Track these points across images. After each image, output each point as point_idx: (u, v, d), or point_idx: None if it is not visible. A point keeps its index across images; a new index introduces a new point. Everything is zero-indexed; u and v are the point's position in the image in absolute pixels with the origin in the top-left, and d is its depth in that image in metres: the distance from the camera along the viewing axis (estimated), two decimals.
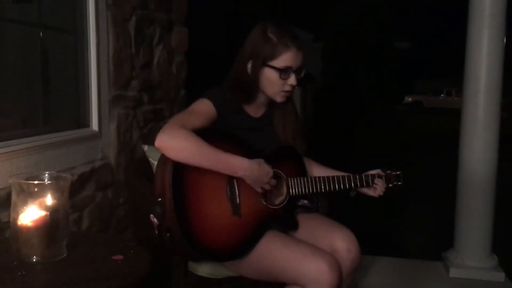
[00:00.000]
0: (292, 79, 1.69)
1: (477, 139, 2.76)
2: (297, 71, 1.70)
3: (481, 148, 2.76)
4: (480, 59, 2.72)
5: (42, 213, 1.32)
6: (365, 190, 1.85)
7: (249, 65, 1.69)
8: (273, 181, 1.65)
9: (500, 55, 2.71)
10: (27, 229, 1.31)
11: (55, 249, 1.35)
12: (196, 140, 1.53)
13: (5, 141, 1.71)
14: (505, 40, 2.73)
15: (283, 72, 1.67)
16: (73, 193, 1.99)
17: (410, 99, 25.69)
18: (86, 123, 2.23)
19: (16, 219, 1.32)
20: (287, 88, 1.71)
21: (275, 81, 1.68)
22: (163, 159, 1.58)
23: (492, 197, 2.81)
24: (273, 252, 1.59)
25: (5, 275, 1.25)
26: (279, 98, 1.74)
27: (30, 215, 1.32)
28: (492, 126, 2.74)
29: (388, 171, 1.87)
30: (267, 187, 1.64)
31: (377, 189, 1.83)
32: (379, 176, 1.85)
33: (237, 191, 1.61)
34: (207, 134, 1.59)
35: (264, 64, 1.67)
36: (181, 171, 1.53)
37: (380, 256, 3.06)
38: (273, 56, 1.66)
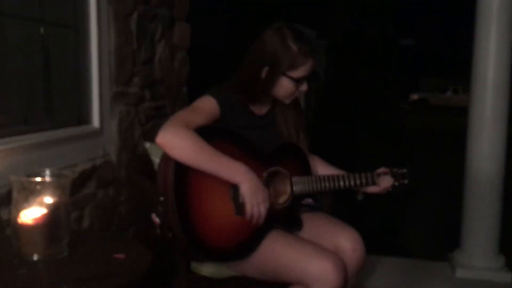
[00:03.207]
0: (304, 86, 1.72)
1: (485, 137, 2.74)
2: (308, 77, 1.72)
3: (488, 146, 2.74)
4: (487, 56, 2.69)
5: (43, 210, 1.31)
6: (371, 189, 1.83)
7: (265, 70, 1.67)
8: (264, 210, 1.57)
9: (508, 52, 2.68)
10: (28, 227, 1.30)
11: (56, 247, 1.34)
12: (198, 141, 1.52)
13: (6, 138, 1.70)
14: None
15: (300, 81, 1.69)
16: (74, 190, 1.98)
17: (415, 97, 25.49)
18: (88, 120, 2.22)
19: (17, 217, 1.31)
20: (298, 93, 1.74)
21: (289, 89, 1.70)
22: (166, 157, 1.56)
23: (500, 196, 2.78)
24: (277, 252, 1.57)
25: (6, 273, 1.24)
26: (288, 101, 1.76)
27: (31, 212, 1.31)
28: (500, 124, 2.72)
29: (394, 169, 1.85)
30: (256, 210, 1.55)
31: (382, 186, 1.81)
32: (385, 174, 1.83)
33: (240, 190, 1.59)
34: (209, 132, 1.58)
35: (283, 73, 1.67)
36: (183, 170, 1.52)
37: (385, 256, 3.05)
38: (293, 67, 1.66)
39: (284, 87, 1.69)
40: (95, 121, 2.23)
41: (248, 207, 1.56)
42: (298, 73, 1.67)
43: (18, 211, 1.31)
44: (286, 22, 1.72)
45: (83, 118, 2.21)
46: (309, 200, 1.83)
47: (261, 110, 1.79)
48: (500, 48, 2.67)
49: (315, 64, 1.72)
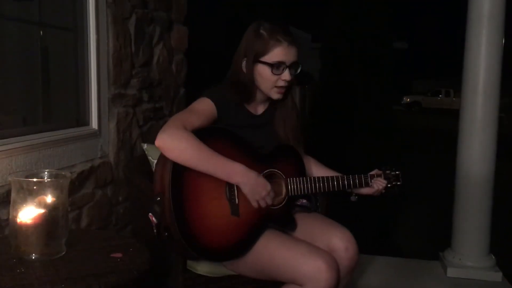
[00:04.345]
0: (285, 75, 1.69)
1: (475, 139, 2.77)
2: (291, 67, 1.70)
3: (479, 148, 2.77)
4: (478, 59, 2.72)
5: (41, 210, 1.33)
6: (364, 190, 1.85)
7: (244, 63, 1.70)
8: (269, 200, 1.62)
9: (498, 56, 2.71)
10: (26, 226, 1.32)
11: (54, 247, 1.36)
12: (196, 142, 1.53)
13: (5, 139, 1.71)
14: (503, 41, 2.73)
15: (275, 67, 1.67)
16: (72, 191, 2.00)
17: (408, 100, 25.71)
18: (86, 122, 2.23)
19: (15, 216, 1.33)
20: (281, 83, 1.71)
21: (268, 76, 1.69)
22: (163, 158, 1.58)
23: (490, 197, 2.81)
24: (271, 251, 1.59)
25: (5, 273, 1.25)
26: (274, 95, 1.74)
27: (30, 212, 1.32)
28: (490, 126, 2.75)
29: (387, 171, 1.88)
30: (263, 203, 1.60)
31: (375, 187, 1.84)
32: (378, 176, 1.86)
33: (236, 191, 1.61)
34: (207, 133, 1.60)
35: (256, 60, 1.68)
36: (180, 171, 1.54)
37: (378, 255, 3.07)
38: (264, 52, 1.67)
39: (263, 75, 1.69)
40: (94, 123, 2.25)
41: (254, 204, 1.60)
42: (271, 57, 1.66)
43: (16, 211, 1.32)
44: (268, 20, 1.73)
45: (82, 119, 2.22)
46: (304, 201, 1.85)
47: (257, 109, 1.81)
48: (490, 52, 2.70)
49: (296, 52, 1.70)
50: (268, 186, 1.61)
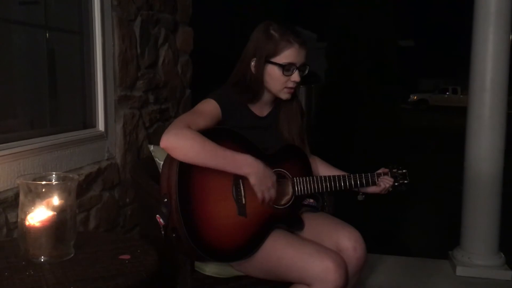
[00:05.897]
0: (295, 76, 1.70)
1: (483, 137, 2.76)
2: (300, 68, 1.71)
3: (487, 146, 2.75)
4: (486, 56, 2.71)
5: (50, 213, 1.33)
6: (371, 189, 1.85)
7: (253, 63, 1.71)
8: (273, 192, 1.62)
9: (506, 53, 2.70)
10: (34, 229, 1.32)
11: (63, 249, 1.36)
12: (201, 139, 1.54)
13: (13, 142, 1.73)
14: (511, 37, 2.72)
15: (286, 68, 1.68)
16: (80, 193, 2.01)
17: (415, 98, 25.70)
18: (93, 124, 2.24)
19: (24, 219, 1.33)
20: (291, 84, 1.72)
21: (278, 77, 1.70)
22: (169, 159, 1.58)
23: (499, 195, 2.80)
24: (279, 252, 1.59)
25: (14, 275, 1.26)
26: (283, 95, 1.75)
27: (38, 215, 1.33)
28: (498, 124, 2.74)
29: (394, 170, 1.87)
30: (267, 195, 1.60)
31: (382, 186, 1.83)
32: (385, 174, 1.85)
33: (242, 191, 1.61)
34: (212, 134, 1.60)
35: (267, 61, 1.68)
36: (187, 172, 1.54)
37: (386, 254, 3.06)
38: (275, 53, 1.67)
39: (273, 76, 1.70)
40: (100, 125, 2.26)
41: (259, 195, 1.59)
42: (282, 58, 1.67)
43: (25, 213, 1.33)
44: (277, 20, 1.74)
45: (88, 122, 2.23)
46: (311, 201, 1.84)
47: (262, 111, 1.81)
48: (497, 49, 2.68)
49: (305, 54, 1.71)
50: (274, 177, 1.62)
